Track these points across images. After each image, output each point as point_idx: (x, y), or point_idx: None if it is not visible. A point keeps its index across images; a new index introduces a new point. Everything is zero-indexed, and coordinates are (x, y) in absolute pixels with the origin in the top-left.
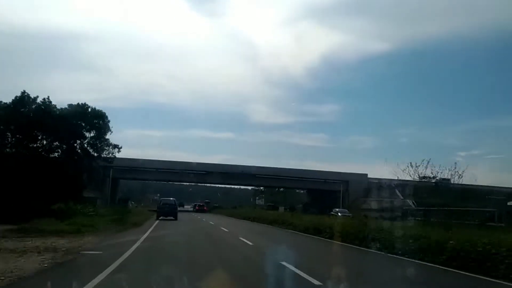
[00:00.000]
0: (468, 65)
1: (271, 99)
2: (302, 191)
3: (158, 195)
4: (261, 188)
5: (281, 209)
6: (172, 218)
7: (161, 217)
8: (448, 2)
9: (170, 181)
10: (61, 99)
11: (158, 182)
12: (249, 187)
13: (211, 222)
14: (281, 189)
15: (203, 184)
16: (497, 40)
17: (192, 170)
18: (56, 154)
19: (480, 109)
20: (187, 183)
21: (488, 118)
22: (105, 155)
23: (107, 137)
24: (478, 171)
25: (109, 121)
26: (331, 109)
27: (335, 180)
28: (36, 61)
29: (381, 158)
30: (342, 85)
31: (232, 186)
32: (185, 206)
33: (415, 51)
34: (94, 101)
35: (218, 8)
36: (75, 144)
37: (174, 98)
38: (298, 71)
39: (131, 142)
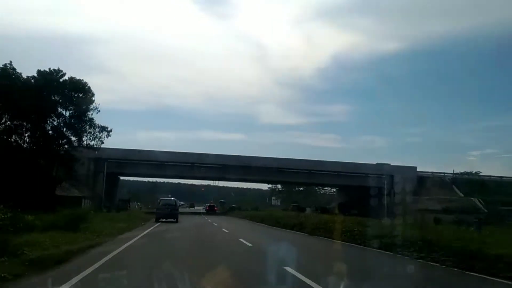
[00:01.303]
0: (480, 63)
1: (281, 100)
2: (326, 190)
3: (170, 195)
4: (279, 187)
5: (308, 210)
6: (172, 220)
7: (161, 219)
8: (459, 2)
9: (181, 177)
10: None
11: (167, 181)
12: (267, 186)
13: (225, 230)
14: (301, 188)
15: (215, 185)
16: (511, 38)
17: (207, 164)
18: (17, 137)
19: (494, 107)
20: (199, 182)
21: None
22: (87, 140)
23: (91, 116)
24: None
25: (93, 95)
26: (342, 109)
27: (378, 174)
28: (48, 64)
29: (394, 158)
30: (352, 85)
31: (247, 186)
32: (196, 207)
33: (427, 50)
34: (106, 103)
35: (228, 10)
36: (45, 125)
37: (185, 100)
38: (308, 72)
39: (141, 143)
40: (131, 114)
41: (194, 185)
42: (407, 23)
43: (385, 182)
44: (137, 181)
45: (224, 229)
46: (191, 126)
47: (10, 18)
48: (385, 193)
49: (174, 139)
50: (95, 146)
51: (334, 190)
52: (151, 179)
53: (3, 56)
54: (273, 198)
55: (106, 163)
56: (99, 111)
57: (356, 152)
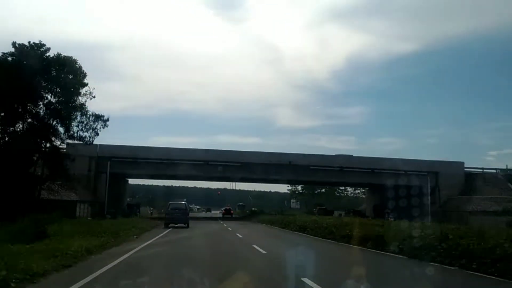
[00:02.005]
0: (494, 63)
1: (296, 103)
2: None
3: (185, 200)
4: (299, 188)
5: (336, 214)
6: (183, 225)
7: (170, 225)
8: (474, 1)
9: (195, 178)
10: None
11: (182, 185)
12: (286, 188)
13: (257, 248)
14: (323, 189)
15: (232, 188)
16: None
17: (224, 162)
18: None
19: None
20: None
21: None
22: (79, 131)
23: (82, 101)
24: None
25: (84, 76)
26: (358, 111)
27: (419, 172)
28: None
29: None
30: (368, 87)
31: (265, 189)
32: (213, 212)
33: (442, 50)
34: (122, 110)
35: (242, 14)
36: (25, 113)
37: (201, 105)
38: (323, 74)
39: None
40: (146, 119)
41: (210, 188)
42: (421, 24)
43: (428, 180)
44: (151, 185)
45: (257, 248)
46: (207, 131)
47: (25, 27)
48: (428, 192)
49: (190, 144)
50: (88, 138)
51: (359, 191)
52: (165, 183)
53: None
54: (292, 200)
55: (109, 162)
56: (93, 96)
57: (372, 154)
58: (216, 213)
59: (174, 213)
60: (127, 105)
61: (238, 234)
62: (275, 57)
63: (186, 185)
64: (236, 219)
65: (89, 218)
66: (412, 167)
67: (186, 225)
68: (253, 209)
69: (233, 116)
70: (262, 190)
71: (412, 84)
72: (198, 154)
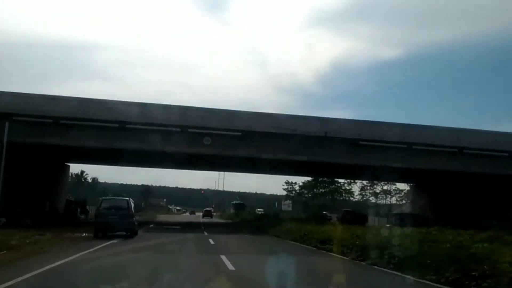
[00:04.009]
0: (480, 70)
1: (281, 106)
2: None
3: (165, 200)
4: (296, 188)
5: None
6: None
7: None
8: (459, 7)
9: (169, 159)
10: None
11: (162, 185)
12: (284, 187)
13: None
14: (324, 189)
15: (215, 189)
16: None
17: (216, 129)
18: None
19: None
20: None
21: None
22: None
23: None
24: None
25: None
26: (341, 115)
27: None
28: (50, 70)
29: None
30: (352, 92)
31: (254, 190)
32: (197, 213)
33: (426, 56)
34: None
35: (229, 17)
36: None
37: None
38: (308, 78)
39: None
40: None
41: (193, 189)
42: (407, 30)
43: None
44: (128, 184)
45: None
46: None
47: (10, 24)
48: None
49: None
50: None
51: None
52: (144, 181)
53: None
54: (284, 202)
55: (8, 124)
56: None
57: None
58: (200, 215)
59: (108, 215)
60: None
61: None
62: (261, 60)
63: (166, 185)
64: (228, 227)
65: None
66: (496, 144)
67: (128, 233)
68: (259, 211)
69: None
70: (250, 191)
71: (397, 89)
72: (172, 115)
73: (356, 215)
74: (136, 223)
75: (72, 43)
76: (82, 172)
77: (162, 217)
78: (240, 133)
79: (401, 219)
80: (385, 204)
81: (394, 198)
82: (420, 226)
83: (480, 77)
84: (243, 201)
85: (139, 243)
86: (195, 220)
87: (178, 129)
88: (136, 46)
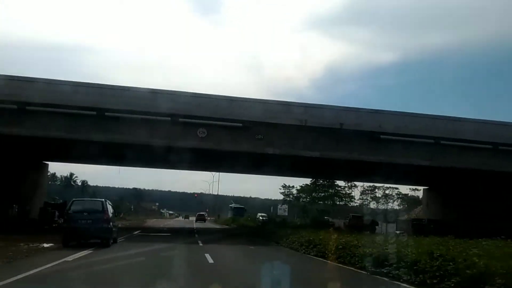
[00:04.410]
0: (475, 75)
1: None
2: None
3: (157, 204)
4: (294, 192)
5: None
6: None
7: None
8: (454, 12)
9: (154, 155)
10: None
11: (156, 189)
12: (281, 190)
13: None
14: (323, 193)
15: (209, 193)
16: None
17: (212, 119)
18: None
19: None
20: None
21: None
22: None
23: None
24: None
25: None
26: None
27: None
28: (39, 73)
29: None
30: (347, 96)
31: (250, 194)
32: (191, 218)
33: (421, 61)
34: None
35: (224, 19)
36: None
37: None
38: (303, 82)
39: None
40: None
41: (186, 193)
42: (402, 34)
43: None
44: (121, 188)
45: None
46: None
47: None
48: None
49: None
50: None
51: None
52: (135, 184)
53: None
54: (279, 206)
55: None
56: None
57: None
58: (194, 220)
59: (79, 220)
60: None
61: None
62: (256, 63)
63: (160, 189)
64: (225, 235)
65: None
66: None
67: (104, 242)
68: (262, 216)
69: None
70: (242, 195)
71: (391, 94)
72: (160, 102)
73: (365, 220)
74: (114, 229)
75: (63, 46)
76: (72, 174)
77: (152, 222)
78: (241, 124)
79: (419, 225)
80: (392, 209)
81: (396, 203)
82: (446, 234)
83: (476, 82)
84: (239, 205)
85: (108, 261)
86: (187, 226)
87: (168, 118)
88: (129, 49)
